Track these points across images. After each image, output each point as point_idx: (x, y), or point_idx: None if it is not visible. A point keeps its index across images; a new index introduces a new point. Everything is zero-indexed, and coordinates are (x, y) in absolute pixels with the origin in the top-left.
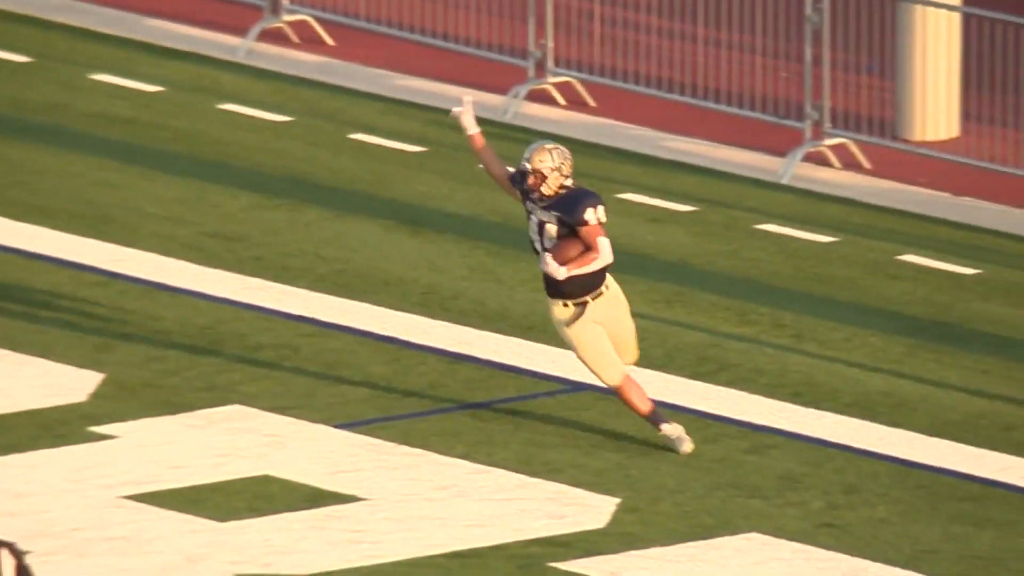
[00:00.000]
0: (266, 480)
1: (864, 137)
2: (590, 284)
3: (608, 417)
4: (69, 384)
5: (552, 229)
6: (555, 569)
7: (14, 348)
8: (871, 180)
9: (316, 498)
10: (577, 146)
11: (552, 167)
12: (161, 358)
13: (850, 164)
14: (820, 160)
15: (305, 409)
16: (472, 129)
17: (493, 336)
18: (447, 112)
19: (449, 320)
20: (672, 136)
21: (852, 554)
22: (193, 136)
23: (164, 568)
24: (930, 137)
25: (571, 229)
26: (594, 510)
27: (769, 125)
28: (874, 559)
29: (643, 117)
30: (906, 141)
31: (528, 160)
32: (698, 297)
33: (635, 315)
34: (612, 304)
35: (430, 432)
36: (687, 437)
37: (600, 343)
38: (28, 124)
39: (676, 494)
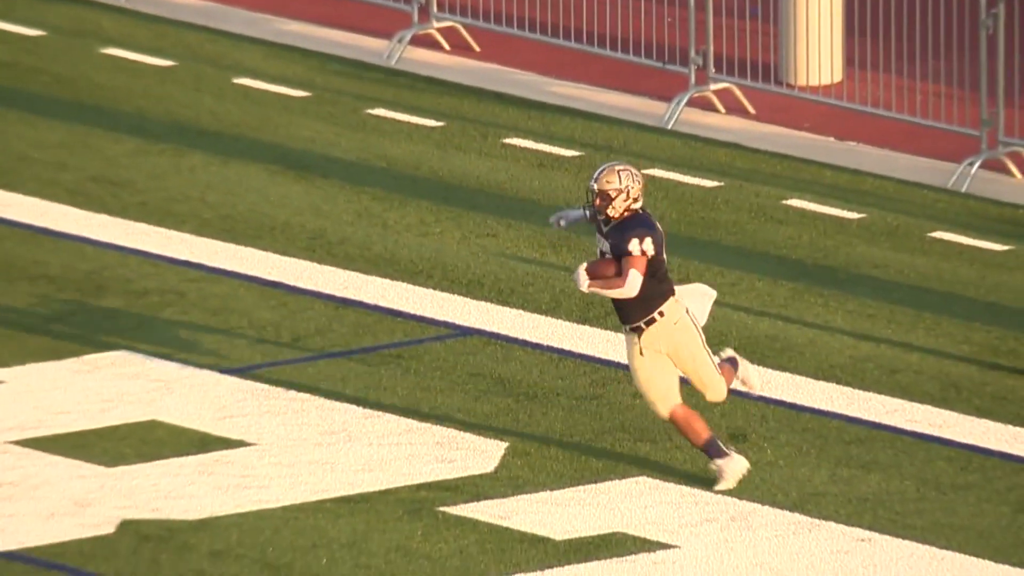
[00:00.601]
0: (153, 425)
1: (748, 82)
2: (639, 310)
3: (496, 362)
4: None
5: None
6: (444, 513)
7: None
8: (756, 125)
9: (204, 443)
10: (461, 91)
11: (618, 188)
12: (46, 303)
13: (734, 109)
14: (705, 105)
15: (192, 354)
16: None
17: (380, 281)
18: (332, 57)
19: (336, 265)
20: (557, 81)
21: (740, 497)
22: (75, 80)
23: (52, 513)
24: (813, 82)
25: (618, 256)
26: (482, 455)
27: (654, 70)
28: (762, 502)
29: (528, 62)
30: (790, 86)
31: (595, 180)
32: (584, 242)
33: (522, 260)
34: (674, 334)
35: (318, 377)
36: (734, 474)
37: (649, 372)
38: None
39: (564, 438)
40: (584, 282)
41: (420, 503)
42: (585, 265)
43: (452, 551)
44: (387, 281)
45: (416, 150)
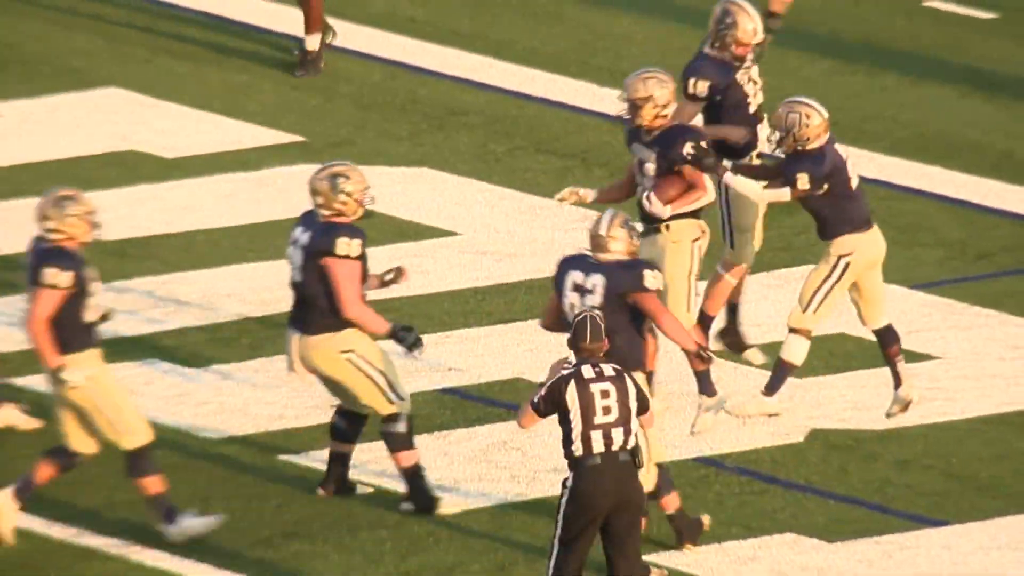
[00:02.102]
0: (843, 338)
1: None
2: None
3: None
4: None
5: (650, 168)
6: None
7: None
8: None
9: None
10: None
11: (644, 96)
12: None
13: None
14: None
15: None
16: (591, 198)
17: None
18: None
19: (1023, 184)
20: None
21: None
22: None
23: (746, 422)
24: None
25: (670, 166)
26: None
27: None
28: None
29: None
30: None
31: (624, 90)
32: None
33: None
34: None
35: (1003, 293)
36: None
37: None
38: None
39: None
40: (664, 209)
41: None
42: (652, 194)
43: None
44: None
45: None
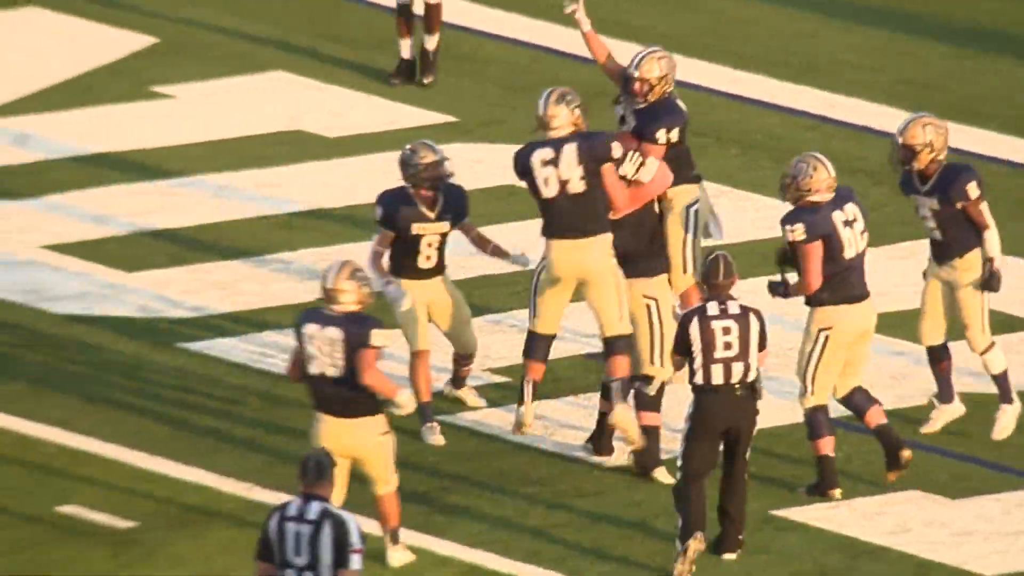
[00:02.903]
0: None
1: None
2: None
3: None
4: None
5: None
6: None
7: None
8: None
9: (1013, 324)
10: None
11: (659, 75)
12: (862, 196)
13: None
14: None
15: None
16: (586, 27)
17: None
18: None
19: None
20: None
21: None
22: None
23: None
24: None
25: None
26: None
27: None
28: None
29: None
30: None
31: (636, 67)
32: None
33: None
34: None
35: None
36: None
37: None
38: None
39: None
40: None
41: None
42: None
43: None
44: None
45: None
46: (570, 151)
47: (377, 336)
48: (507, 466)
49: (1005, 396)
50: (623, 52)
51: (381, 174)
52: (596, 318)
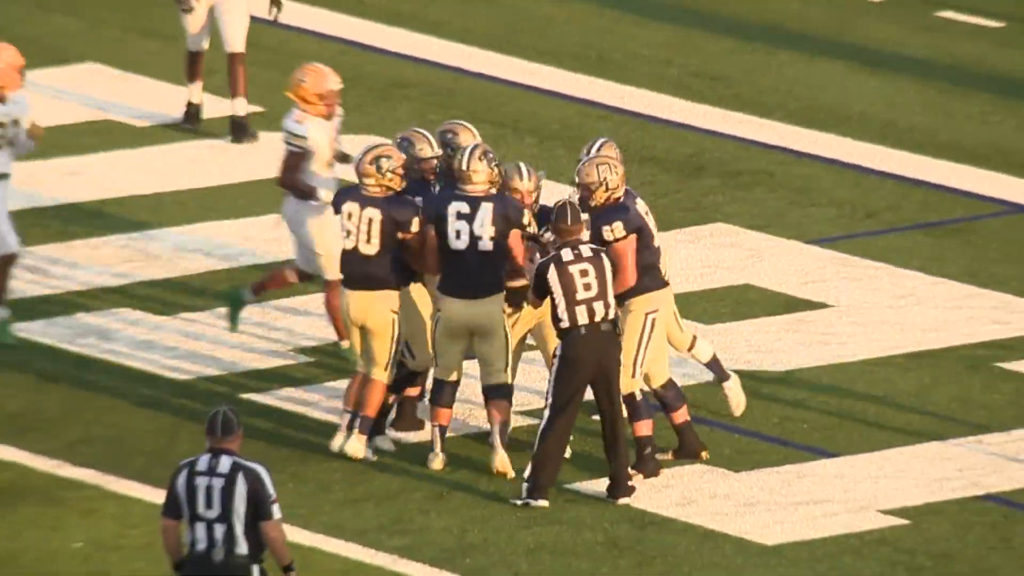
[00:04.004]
0: (746, 288)
1: None
2: None
3: None
4: None
5: None
6: (1000, 368)
7: None
8: None
9: (790, 305)
10: None
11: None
12: (653, 182)
13: None
14: None
15: (779, 227)
16: None
17: (944, 164)
18: None
19: (905, 150)
20: None
21: None
22: None
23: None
24: None
25: None
26: None
27: None
28: None
29: None
30: None
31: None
32: None
33: None
34: None
35: (889, 248)
36: None
37: None
38: None
39: None
40: None
41: (979, 360)
42: None
43: (1007, 401)
44: (951, 164)
45: (978, 48)
46: (486, 210)
47: (415, 223)
48: (312, 440)
49: (722, 376)
50: (422, 46)
51: (187, 161)
52: (480, 365)
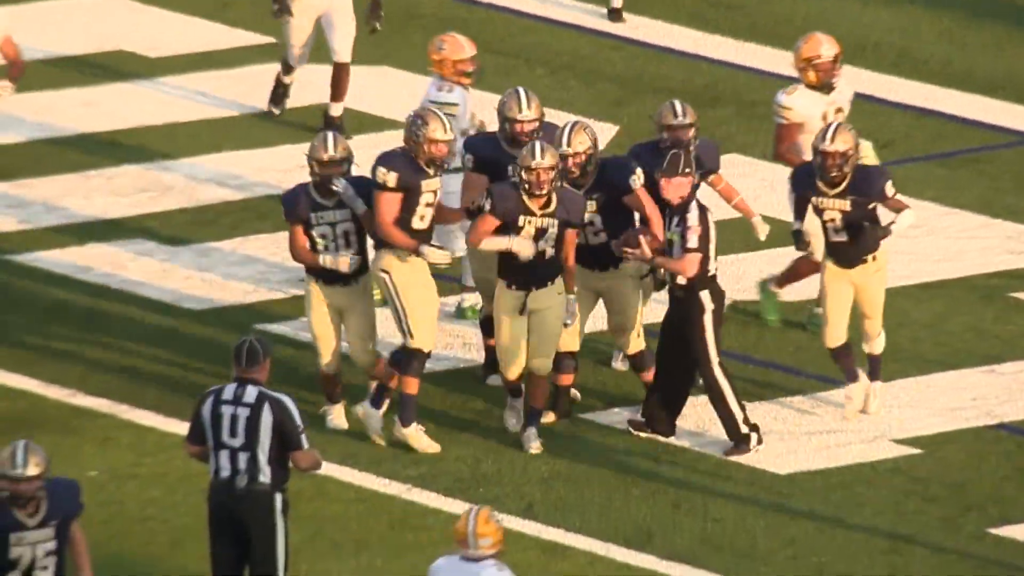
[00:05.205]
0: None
1: None
2: None
3: None
4: None
5: None
6: (1014, 299)
7: None
8: None
9: None
10: None
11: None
12: None
13: None
14: None
15: None
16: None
17: (958, 94)
18: None
19: (919, 79)
20: None
21: None
22: None
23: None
24: None
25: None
26: None
27: None
28: None
29: None
30: None
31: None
32: None
33: None
34: None
35: (903, 178)
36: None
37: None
38: None
39: None
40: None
41: (992, 289)
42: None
43: (1020, 332)
44: (965, 94)
45: None
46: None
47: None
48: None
49: None
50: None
51: (199, 92)
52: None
